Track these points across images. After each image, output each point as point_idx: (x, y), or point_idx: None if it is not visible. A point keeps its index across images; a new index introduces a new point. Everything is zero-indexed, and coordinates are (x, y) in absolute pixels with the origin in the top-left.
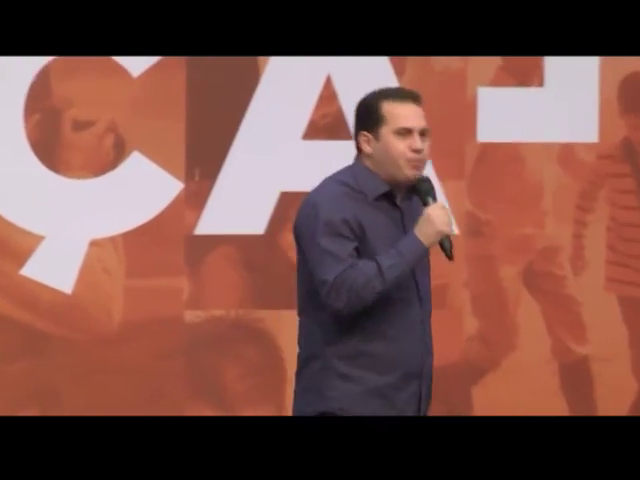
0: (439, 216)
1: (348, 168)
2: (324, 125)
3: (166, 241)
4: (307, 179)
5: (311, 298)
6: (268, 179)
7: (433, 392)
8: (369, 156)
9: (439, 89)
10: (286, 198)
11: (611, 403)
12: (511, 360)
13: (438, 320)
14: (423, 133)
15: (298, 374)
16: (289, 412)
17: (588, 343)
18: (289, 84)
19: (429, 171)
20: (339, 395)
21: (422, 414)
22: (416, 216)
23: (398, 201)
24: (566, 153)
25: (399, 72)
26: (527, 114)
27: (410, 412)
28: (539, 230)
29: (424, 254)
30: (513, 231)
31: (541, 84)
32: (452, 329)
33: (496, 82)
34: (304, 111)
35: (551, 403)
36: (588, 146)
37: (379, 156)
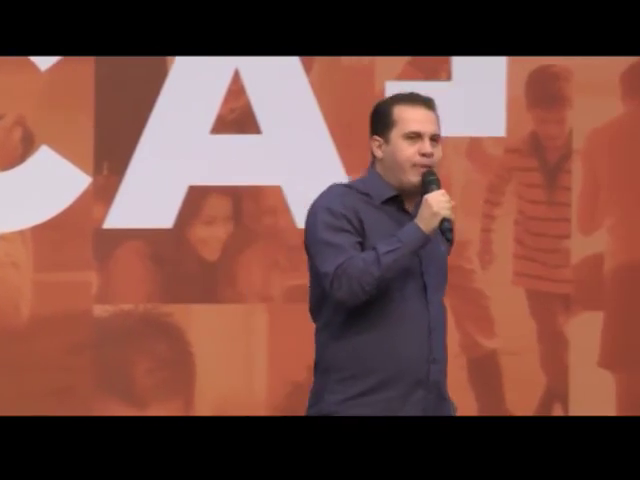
0: (438, 201)
1: (361, 176)
2: (232, 119)
3: (74, 235)
4: (215, 173)
5: (318, 303)
6: (176, 173)
7: None
8: (380, 160)
9: (347, 84)
10: (194, 192)
11: (519, 397)
12: None
13: None
14: (434, 138)
15: (313, 377)
16: (198, 407)
17: (496, 337)
18: (197, 78)
19: (337, 164)
20: (336, 399)
21: None
22: None
23: (408, 206)
24: (474, 147)
25: (307, 67)
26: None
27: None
28: None
29: (423, 240)
30: None
31: (449, 78)
32: None
33: (404, 77)
34: (212, 105)
35: (459, 397)
36: (496, 140)
37: (388, 160)
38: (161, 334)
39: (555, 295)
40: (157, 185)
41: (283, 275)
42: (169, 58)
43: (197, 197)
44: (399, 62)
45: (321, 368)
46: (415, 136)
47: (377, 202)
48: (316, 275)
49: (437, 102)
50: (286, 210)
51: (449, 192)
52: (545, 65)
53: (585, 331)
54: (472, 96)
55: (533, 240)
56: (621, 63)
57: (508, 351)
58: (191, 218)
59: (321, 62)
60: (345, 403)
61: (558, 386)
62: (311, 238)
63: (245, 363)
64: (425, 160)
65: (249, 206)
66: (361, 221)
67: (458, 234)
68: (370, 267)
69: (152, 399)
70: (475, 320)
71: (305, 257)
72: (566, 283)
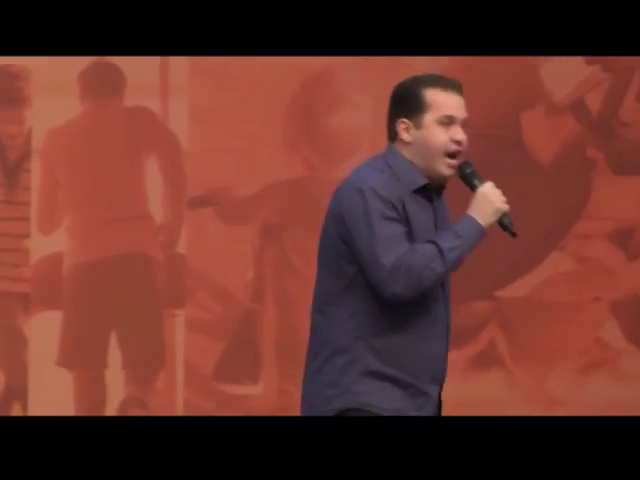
0: (495, 194)
1: (381, 156)
2: None
3: None
4: None
5: (344, 290)
6: None
7: None
8: (407, 144)
9: None
10: None
11: None
12: None
13: None
14: (464, 124)
15: (317, 371)
16: None
17: None
18: None
19: None
20: (366, 390)
21: None
22: (443, 215)
23: (432, 197)
24: None
25: None
26: None
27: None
28: None
29: (482, 236)
30: None
31: None
32: None
33: None
34: None
35: None
36: None
37: (418, 145)
38: None
39: (14, 294)
40: None
41: None
42: None
43: None
44: None
45: (342, 360)
46: (449, 121)
47: (408, 190)
48: (342, 263)
49: None
50: None
51: None
52: (4, 65)
53: (44, 330)
54: None
55: None
56: (78, 63)
57: None
58: None
59: None
60: (376, 395)
61: (17, 385)
62: (361, 226)
63: None
64: (457, 147)
65: None
66: (406, 211)
67: None
68: (432, 263)
69: None
70: None
71: None
72: (25, 282)
